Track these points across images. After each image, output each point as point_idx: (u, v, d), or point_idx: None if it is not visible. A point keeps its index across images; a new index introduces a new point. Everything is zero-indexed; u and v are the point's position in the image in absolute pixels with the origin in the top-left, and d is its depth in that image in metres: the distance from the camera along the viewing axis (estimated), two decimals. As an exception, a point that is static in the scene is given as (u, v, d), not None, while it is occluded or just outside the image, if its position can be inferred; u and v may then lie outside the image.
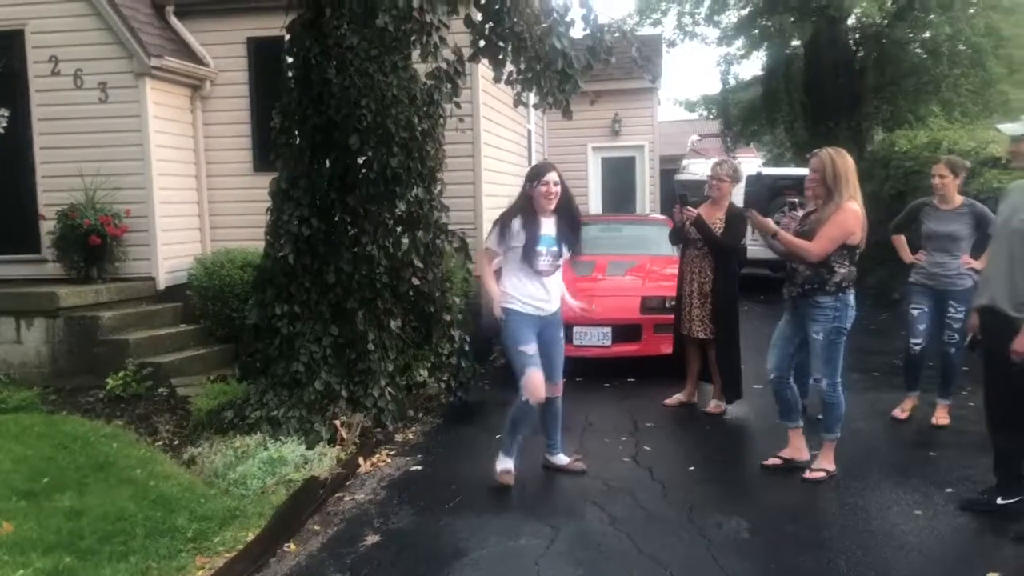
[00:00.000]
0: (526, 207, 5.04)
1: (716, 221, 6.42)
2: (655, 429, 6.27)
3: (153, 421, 6.51)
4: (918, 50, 17.71)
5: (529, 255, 4.92)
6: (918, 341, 6.03)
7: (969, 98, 16.79)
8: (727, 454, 5.86)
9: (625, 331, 7.67)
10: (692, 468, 5.43)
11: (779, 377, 5.25)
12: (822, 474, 5.04)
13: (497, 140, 10.04)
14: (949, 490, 4.79)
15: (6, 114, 8.20)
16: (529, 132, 12.78)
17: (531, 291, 4.99)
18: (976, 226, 5.76)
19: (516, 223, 4.97)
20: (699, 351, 6.74)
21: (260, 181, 7.83)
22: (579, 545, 4.24)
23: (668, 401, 6.75)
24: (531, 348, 4.92)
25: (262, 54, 9.17)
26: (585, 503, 4.78)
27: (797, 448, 5.31)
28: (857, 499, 4.74)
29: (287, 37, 6.29)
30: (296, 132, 6.26)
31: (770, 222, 5.07)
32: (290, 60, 6.33)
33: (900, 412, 6.25)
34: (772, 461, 5.32)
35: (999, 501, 4.46)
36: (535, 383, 4.86)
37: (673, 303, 6.92)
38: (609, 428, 6.29)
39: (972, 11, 16.50)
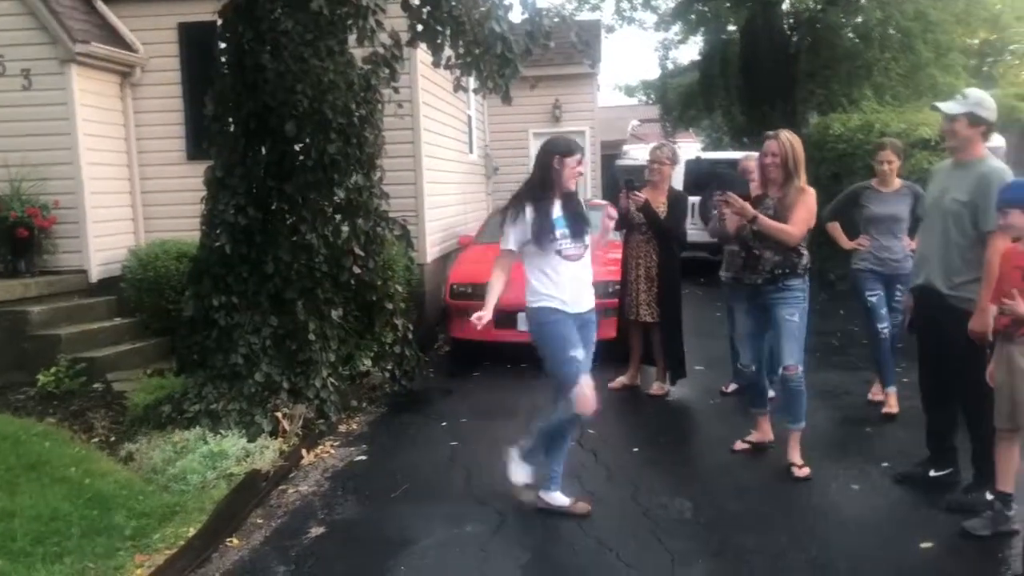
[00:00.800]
0: (546, 183, 4.39)
1: (659, 205, 6.46)
2: (600, 412, 6.29)
3: (88, 418, 6.32)
4: (851, 35, 18.04)
5: (546, 240, 4.27)
6: (885, 325, 5.93)
7: (900, 82, 17.15)
8: (671, 435, 5.93)
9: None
10: (636, 450, 5.47)
11: (758, 369, 5.24)
12: (807, 469, 4.85)
13: (437, 126, 9.95)
14: (885, 464, 4.91)
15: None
16: (470, 118, 12.71)
17: (565, 284, 4.34)
18: (913, 207, 5.87)
19: (529, 209, 4.35)
20: (641, 334, 6.78)
21: (194, 170, 7.63)
22: (525, 530, 4.25)
23: (612, 384, 6.78)
24: (580, 352, 4.32)
25: (194, 40, 8.92)
26: (531, 488, 4.78)
27: (765, 431, 5.32)
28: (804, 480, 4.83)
29: (219, 22, 6.13)
30: (230, 119, 6.11)
31: (749, 206, 4.85)
32: (223, 46, 6.18)
33: (888, 408, 5.97)
34: (741, 446, 5.31)
35: (932, 473, 4.59)
36: (589, 395, 4.25)
37: (617, 287, 6.94)
38: (554, 413, 6.30)
39: (902, -4, 16.87)
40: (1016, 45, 26.11)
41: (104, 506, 4.42)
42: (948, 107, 4.30)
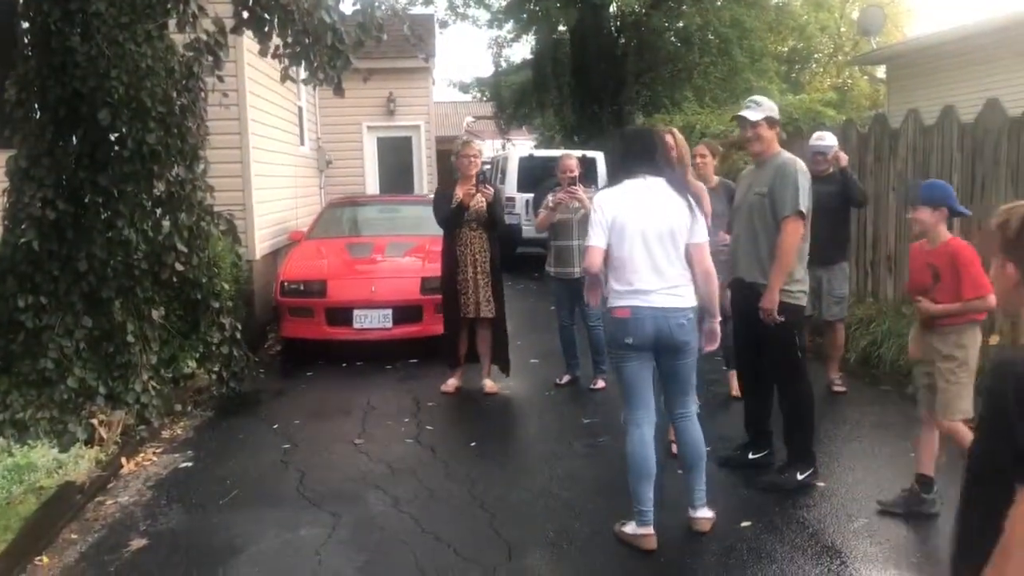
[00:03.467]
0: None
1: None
2: (436, 408, 6.30)
3: None
4: (673, 39, 18.88)
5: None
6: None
7: (718, 85, 18.13)
8: (507, 428, 6.01)
9: (406, 312, 7.63)
10: (473, 444, 5.50)
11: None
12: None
13: (266, 117, 9.62)
14: (707, 448, 5.15)
15: None
16: (300, 109, 12.38)
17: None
18: (730, 203, 6.19)
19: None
20: (466, 332, 6.66)
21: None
22: (362, 530, 4.18)
23: (446, 388, 6.61)
24: None
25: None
26: (368, 487, 4.72)
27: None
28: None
29: (21, 0, 5.66)
30: (36, 105, 5.66)
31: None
32: (26, 25, 5.71)
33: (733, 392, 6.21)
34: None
35: (751, 456, 4.88)
36: None
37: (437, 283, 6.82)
38: (392, 410, 6.25)
39: (719, 3, 17.80)
40: (819, 55, 28.18)
41: None
42: (750, 114, 4.58)
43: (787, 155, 4.60)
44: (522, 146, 21.32)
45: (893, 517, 4.18)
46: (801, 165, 4.53)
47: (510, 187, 14.29)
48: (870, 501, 4.39)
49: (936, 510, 4.16)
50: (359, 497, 4.59)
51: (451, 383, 6.65)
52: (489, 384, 6.64)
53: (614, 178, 4.16)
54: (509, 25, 20.51)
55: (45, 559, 3.90)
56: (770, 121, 4.57)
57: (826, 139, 6.38)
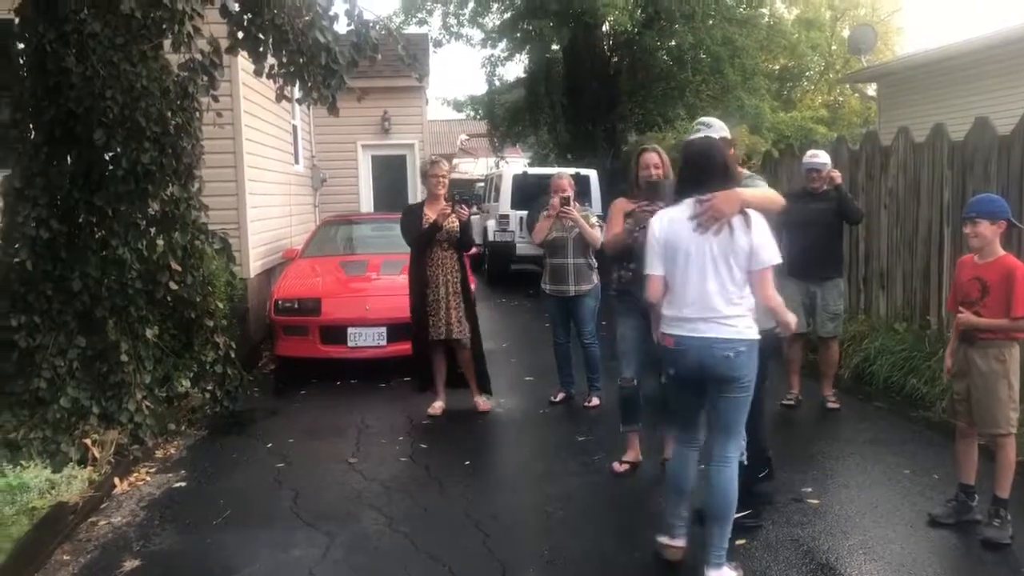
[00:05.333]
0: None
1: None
2: (430, 427, 6.29)
3: None
4: (665, 57, 18.98)
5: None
6: None
7: (710, 103, 18.20)
8: (501, 446, 6.01)
9: (400, 330, 7.60)
10: (468, 463, 5.49)
11: (638, 385, 5.02)
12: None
13: (261, 136, 9.65)
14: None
15: None
16: (295, 128, 12.42)
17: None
18: None
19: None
20: (444, 354, 6.57)
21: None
22: (356, 550, 4.16)
23: (432, 411, 6.50)
24: None
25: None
26: (362, 507, 4.71)
27: (637, 450, 5.23)
28: (628, 480, 5.01)
29: (16, 20, 5.68)
30: (31, 125, 5.68)
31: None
32: (21, 46, 5.73)
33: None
34: (620, 468, 5.16)
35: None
36: None
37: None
38: (386, 428, 6.24)
39: (711, 22, 17.91)
40: (810, 72, 28.38)
41: None
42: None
43: (747, 172, 4.45)
44: (516, 164, 21.37)
45: (887, 534, 4.19)
46: (760, 179, 4.38)
47: (504, 205, 14.33)
48: (864, 518, 4.40)
49: (980, 517, 4.21)
50: (353, 516, 4.57)
51: (437, 405, 6.55)
52: (481, 402, 6.60)
53: (677, 196, 3.82)
54: (503, 44, 20.61)
55: (37, 581, 3.88)
56: (726, 142, 4.24)
57: (820, 156, 6.44)
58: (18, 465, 4.90)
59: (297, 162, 12.60)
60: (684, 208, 3.67)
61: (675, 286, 3.67)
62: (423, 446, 5.82)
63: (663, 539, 3.92)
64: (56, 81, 5.56)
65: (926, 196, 7.17)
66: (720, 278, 3.56)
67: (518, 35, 19.47)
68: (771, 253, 3.58)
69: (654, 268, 3.73)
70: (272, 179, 10.24)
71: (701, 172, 3.69)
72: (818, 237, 6.19)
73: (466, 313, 6.40)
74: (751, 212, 3.59)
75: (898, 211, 7.54)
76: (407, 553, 4.10)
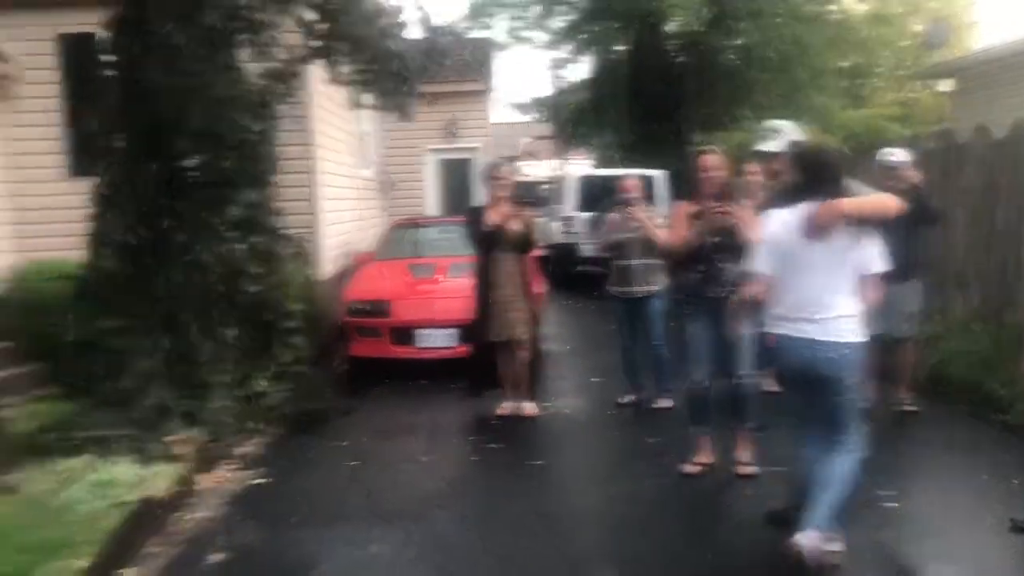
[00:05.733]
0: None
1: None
2: (499, 427, 6.36)
3: (-38, 449, 5.97)
4: (732, 56, 18.77)
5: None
6: None
7: (778, 102, 17.93)
8: (569, 447, 6.03)
9: (467, 331, 7.71)
10: (536, 462, 5.54)
11: (709, 387, 5.02)
12: (753, 468, 4.95)
13: (332, 142, 9.86)
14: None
15: None
16: (365, 133, 12.65)
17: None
18: None
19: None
20: (510, 355, 6.56)
21: (77, 187, 7.33)
22: (430, 548, 4.24)
23: (502, 411, 6.57)
24: None
25: (76, 52, 8.59)
26: (434, 505, 4.79)
27: (708, 452, 5.15)
28: (698, 482, 5.00)
29: (107, 34, 5.93)
30: (118, 135, 5.92)
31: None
32: (110, 59, 5.98)
33: None
34: (691, 469, 5.10)
35: None
36: None
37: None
38: (456, 428, 6.34)
39: (779, 20, 17.64)
40: (880, 68, 27.68)
41: (-17, 542, 4.18)
42: (771, 146, 4.43)
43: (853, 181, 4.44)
44: (579, 166, 21.37)
45: (967, 539, 4.12)
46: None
47: (569, 207, 14.35)
48: (944, 522, 4.33)
49: None
50: (425, 514, 4.66)
51: (506, 406, 6.61)
52: (528, 407, 6.57)
53: (793, 199, 3.89)
54: (568, 46, 20.62)
55: (130, 571, 4.05)
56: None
57: (896, 155, 6.30)
58: (108, 461, 5.11)
59: (367, 167, 12.82)
60: (796, 212, 3.76)
61: (781, 286, 3.79)
62: (492, 446, 5.89)
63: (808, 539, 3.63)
64: (142, 92, 5.79)
65: (1004, 194, 6.98)
66: (825, 281, 3.68)
67: (583, 37, 19.48)
68: (876, 260, 3.69)
69: (762, 267, 3.85)
70: (343, 184, 10.45)
71: (814, 179, 3.78)
72: (895, 237, 6.05)
73: (529, 316, 6.46)
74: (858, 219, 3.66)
75: (974, 209, 7.35)
76: (478, 552, 4.17)
